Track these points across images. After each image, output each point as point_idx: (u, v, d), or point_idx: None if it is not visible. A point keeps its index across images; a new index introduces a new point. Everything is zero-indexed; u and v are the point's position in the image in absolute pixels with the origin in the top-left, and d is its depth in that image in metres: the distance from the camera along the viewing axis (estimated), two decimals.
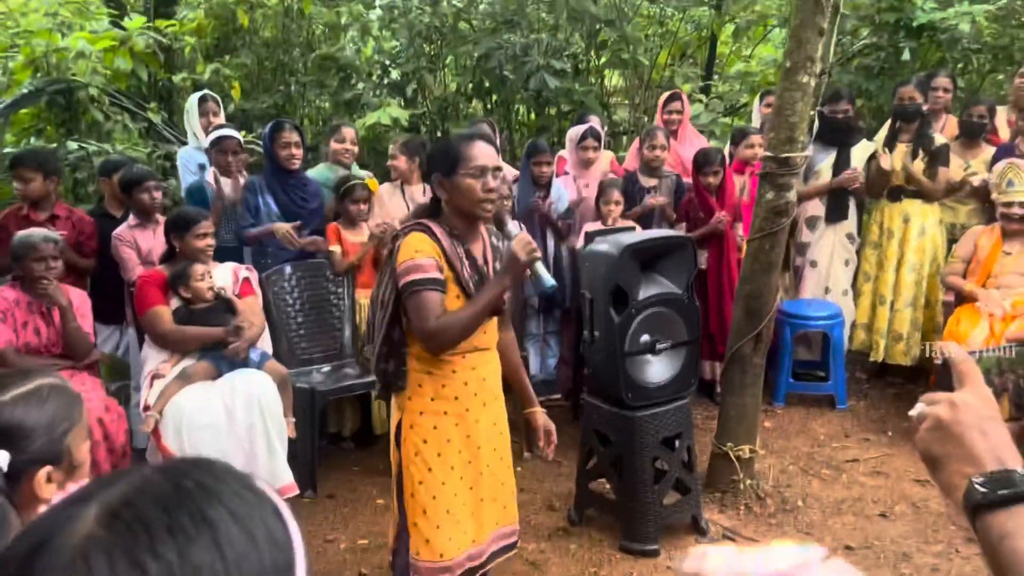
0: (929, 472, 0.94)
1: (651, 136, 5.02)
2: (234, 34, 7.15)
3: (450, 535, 2.42)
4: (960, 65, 7.02)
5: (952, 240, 5.02)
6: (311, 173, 4.76)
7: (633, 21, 7.63)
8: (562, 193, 4.93)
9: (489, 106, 7.74)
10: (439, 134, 7.41)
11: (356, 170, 4.87)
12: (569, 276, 4.87)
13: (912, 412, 0.98)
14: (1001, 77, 7.58)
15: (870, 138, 5.28)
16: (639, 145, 5.26)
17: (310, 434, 3.96)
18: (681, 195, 5.05)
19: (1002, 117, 5.36)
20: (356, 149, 4.81)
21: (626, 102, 8.49)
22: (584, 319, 3.55)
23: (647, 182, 5.02)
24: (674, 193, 5.04)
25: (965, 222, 5.11)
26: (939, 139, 5.00)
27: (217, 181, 4.37)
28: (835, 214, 5.15)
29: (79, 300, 3.79)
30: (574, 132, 5.08)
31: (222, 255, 3.93)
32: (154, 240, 4.14)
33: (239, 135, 4.66)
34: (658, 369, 3.52)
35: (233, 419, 3.49)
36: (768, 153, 3.69)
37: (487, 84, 7.25)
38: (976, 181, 4.95)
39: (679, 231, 4.78)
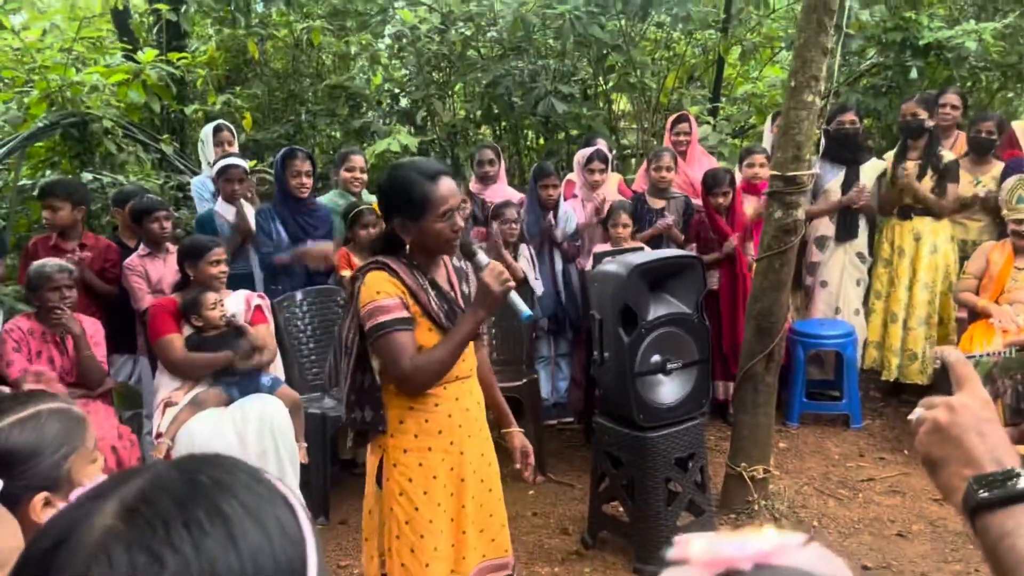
0: (929, 475, 0.95)
1: (657, 158, 5.04)
2: (245, 65, 7.26)
3: (437, 573, 2.33)
4: (969, 83, 7.03)
5: (964, 257, 5.00)
6: (321, 200, 4.80)
7: (640, 45, 7.68)
8: (569, 216, 4.95)
9: (498, 132, 7.80)
10: (449, 160, 7.46)
11: (366, 196, 4.91)
12: (579, 297, 4.88)
13: (911, 416, 0.99)
14: (1011, 95, 7.59)
15: (879, 157, 5.28)
16: (646, 167, 5.28)
17: (322, 460, 3.96)
18: (690, 216, 5.05)
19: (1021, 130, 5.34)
20: (365, 176, 4.85)
21: (634, 126, 8.53)
22: (594, 340, 3.55)
23: (655, 203, 5.03)
24: (683, 214, 5.05)
25: (976, 238, 5.08)
26: (947, 156, 4.99)
27: (241, 209, 4.43)
28: (845, 233, 5.13)
29: (93, 329, 3.83)
30: (581, 155, 5.11)
31: (234, 283, 3.96)
32: (164, 269, 4.18)
33: (245, 163, 4.72)
34: (669, 389, 3.50)
35: (245, 445, 3.50)
36: (775, 172, 3.70)
37: (496, 110, 7.30)
38: (981, 192, 4.93)
39: (689, 251, 4.79)
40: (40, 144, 5.52)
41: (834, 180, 5.16)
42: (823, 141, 5.20)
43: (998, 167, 5.06)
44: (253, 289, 4.25)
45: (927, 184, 4.94)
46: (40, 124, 5.15)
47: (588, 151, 5.06)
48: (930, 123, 4.98)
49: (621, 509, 3.65)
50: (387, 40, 7.85)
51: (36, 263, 3.76)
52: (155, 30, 7.15)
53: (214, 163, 4.72)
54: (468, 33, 7.40)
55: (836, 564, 0.61)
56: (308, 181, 4.50)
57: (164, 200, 4.72)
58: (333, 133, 7.52)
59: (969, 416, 0.92)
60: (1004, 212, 4.63)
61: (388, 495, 2.32)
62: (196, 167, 5.95)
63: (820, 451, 4.68)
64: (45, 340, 3.71)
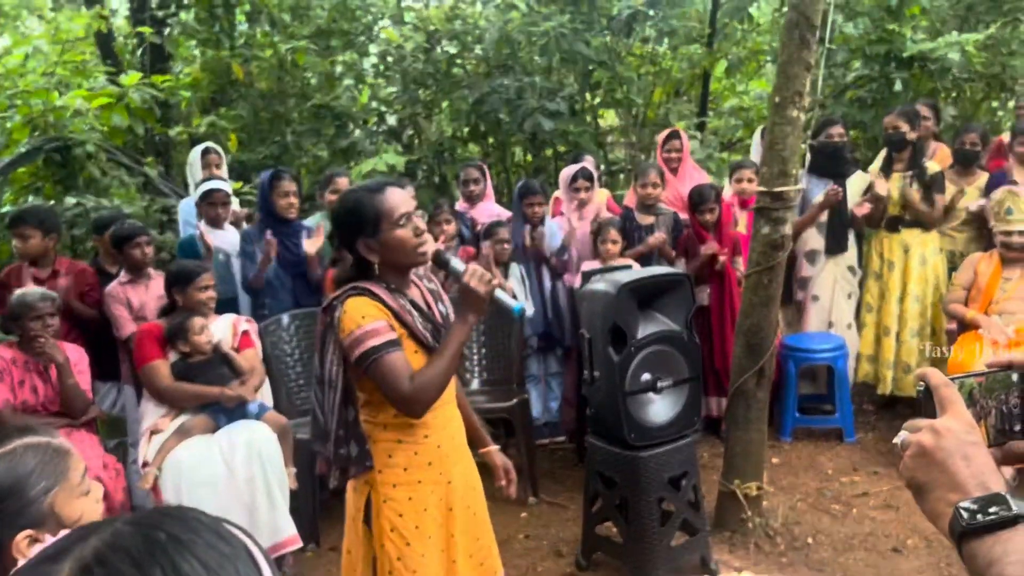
0: (915, 499, 0.94)
1: (643, 175, 5.04)
2: (230, 86, 7.24)
3: None
4: (953, 94, 7.07)
5: (952, 268, 5.00)
6: (308, 222, 4.77)
7: (625, 61, 7.71)
8: (554, 233, 4.93)
9: (486, 149, 7.80)
10: (436, 179, 7.45)
11: None
12: (568, 315, 4.85)
13: (896, 440, 0.98)
14: (995, 104, 7.64)
15: (865, 169, 5.29)
16: (635, 183, 5.28)
17: (311, 485, 3.91)
18: (679, 232, 5.04)
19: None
20: None
21: (622, 140, 8.55)
22: (584, 359, 3.52)
23: (644, 219, 5.02)
24: (672, 230, 5.03)
25: (963, 250, 5.09)
26: (932, 167, 5.01)
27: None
28: (835, 246, 5.13)
29: (77, 357, 3.78)
30: (566, 173, 5.10)
31: (218, 307, 3.92)
32: (146, 295, 4.14)
33: (229, 187, 4.69)
34: (660, 408, 3.47)
35: (233, 472, 3.46)
36: (762, 188, 3.69)
37: (483, 127, 7.31)
38: (974, 206, 4.94)
39: (679, 266, 4.78)
40: (23, 169, 5.48)
41: (820, 194, 5.16)
42: (808, 155, 5.20)
43: (983, 177, 5.09)
44: (238, 313, 4.21)
45: (915, 195, 4.95)
46: (23, 149, 5.12)
47: (573, 169, 5.05)
48: (912, 136, 4.99)
49: (615, 530, 3.61)
50: (372, 59, 7.86)
51: (18, 292, 3.72)
52: (139, 53, 7.14)
53: (195, 187, 4.69)
54: (453, 51, 7.41)
55: None
56: (296, 201, 4.50)
57: (145, 225, 4.68)
58: (319, 153, 7.51)
59: (954, 440, 0.91)
60: (992, 223, 4.64)
61: (379, 532, 2.25)
62: (181, 189, 5.92)
63: (813, 466, 4.65)
64: (28, 369, 3.66)
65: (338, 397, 2.24)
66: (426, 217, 4.55)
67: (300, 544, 3.55)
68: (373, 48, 7.70)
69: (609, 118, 8.91)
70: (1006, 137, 5.36)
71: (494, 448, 2.57)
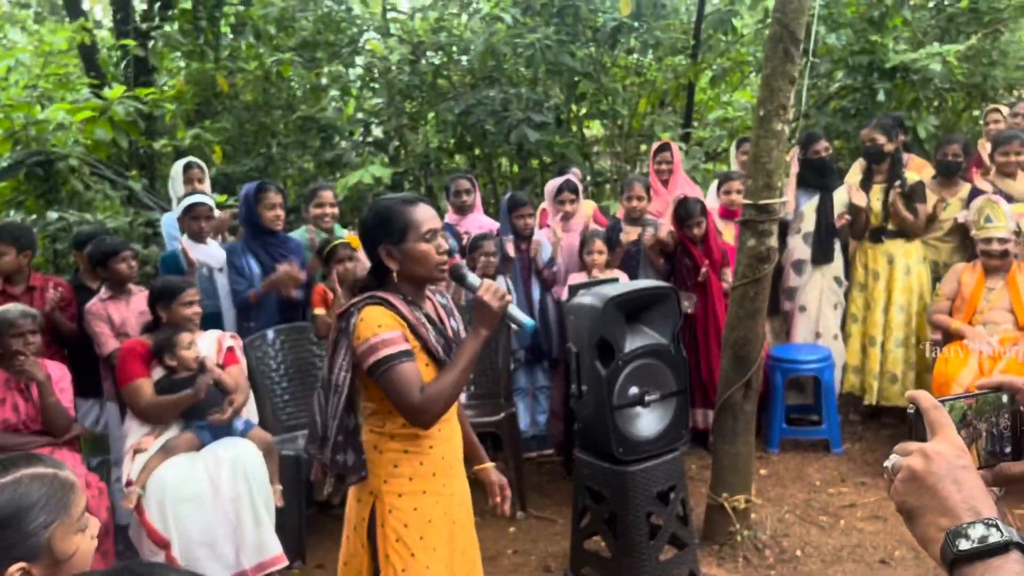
0: (905, 523, 0.93)
1: (629, 187, 5.05)
2: (215, 99, 7.22)
3: None
4: (935, 104, 7.13)
5: (936, 278, 5.03)
6: (293, 235, 4.75)
7: (611, 72, 7.74)
8: (543, 244, 4.93)
9: (472, 161, 7.80)
10: (423, 190, 7.44)
11: (338, 231, 4.86)
12: (555, 328, 4.84)
13: (886, 463, 0.97)
14: (976, 113, 7.71)
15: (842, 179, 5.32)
16: (621, 195, 5.29)
17: (297, 502, 3.88)
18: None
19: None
20: (336, 210, 4.79)
21: (608, 151, 8.57)
22: (571, 373, 3.51)
23: (630, 232, 5.02)
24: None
25: (947, 260, 5.12)
26: (912, 177, 5.04)
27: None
28: (821, 257, 5.15)
29: (59, 374, 3.73)
30: (551, 186, 5.10)
31: (202, 322, 3.89)
32: (127, 311, 4.10)
33: (211, 201, 4.66)
34: (648, 421, 3.46)
35: (218, 490, 3.42)
36: (747, 201, 3.70)
37: (469, 139, 7.30)
38: (961, 217, 4.97)
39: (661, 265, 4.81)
40: (4, 184, 5.44)
41: (808, 203, 5.19)
42: (794, 168, 5.23)
43: (965, 188, 5.12)
44: (222, 328, 4.18)
45: (898, 206, 4.97)
46: (4, 163, 5.07)
47: (558, 182, 5.05)
48: (890, 147, 5.02)
49: (603, 544, 3.59)
50: (358, 71, 7.85)
51: None
52: (123, 65, 7.10)
53: (176, 201, 4.67)
54: (439, 63, 7.41)
55: None
56: (282, 213, 4.49)
57: (128, 239, 4.64)
58: (305, 165, 7.49)
59: (944, 464, 0.91)
60: (973, 232, 4.67)
61: (383, 542, 2.25)
62: (166, 203, 5.87)
63: (801, 477, 4.65)
64: (9, 387, 3.61)
65: (342, 403, 2.23)
66: None
67: (286, 562, 3.52)
68: (359, 60, 7.69)
69: (595, 129, 8.93)
70: (984, 149, 5.40)
71: (490, 465, 2.58)
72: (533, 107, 6.81)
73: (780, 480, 4.63)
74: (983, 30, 6.95)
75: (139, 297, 4.15)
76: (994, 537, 0.84)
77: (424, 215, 2.23)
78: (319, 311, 4.34)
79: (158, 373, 3.64)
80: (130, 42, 6.61)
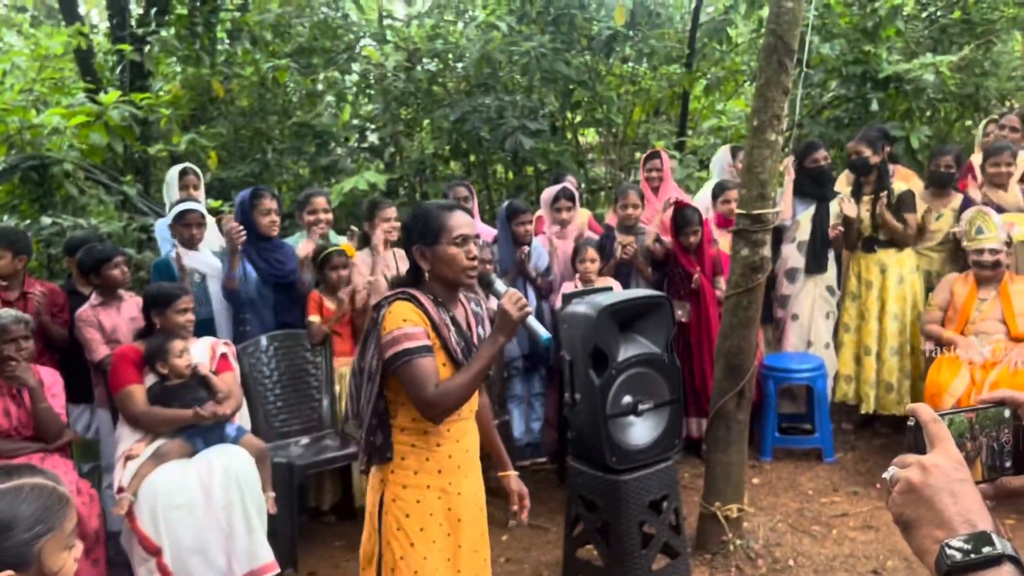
0: (903, 535, 0.94)
1: (623, 195, 5.07)
2: (210, 104, 7.22)
3: None
4: (928, 114, 7.17)
5: (929, 288, 5.05)
6: (288, 240, 4.75)
7: (606, 80, 7.76)
8: (540, 252, 4.94)
9: (467, 167, 7.81)
10: (417, 196, 7.44)
11: (333, 237, 4.86)
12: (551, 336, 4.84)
13: (885, 475, 0.99)
14: (969, 123, 7.75)
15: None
16: (615, 203, 5.31)
17: (289, 510, 3.87)
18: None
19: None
20: (330, 216, 4.80)
21: (603, 158, 8.60)
22: (565, 382, 3.51)
23: (623, 239, 5.03)
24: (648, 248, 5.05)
25: (939, 269, 5.14)
26: (900, 186, 5.07)
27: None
28: (814, 267, 5.17)
29: (51, 380, 3.72)
30: (548, 194, 5.11)
31: (195, 328, 3.88)
32: (118, 317, 4.09)
33: (202, 207, 4.67)
34: (641, 430, 3.47)
35: (210, 497, 3.42)
36: (741, 210, 3.72)
37: (464, 145, 7.31)
38: (955, 229, 4.99)
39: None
40: None
41: (804, 212, 5.21)
42: (789, 176, 5.25)
43: (957, 199, 5.14)
44: (215, 334, 4.17)
45: (888, 216, 4.99)
46: None
47: (554, 190, 5.06)
48: (875, 159, 5.05)
49: (596, 553, 3.59)
50: (354, 77, 7.86)
51: None
52: (118, 70, 7.10)
53: (170, 207, 4.66)
54: (435, 70, 7.42)
55: None
56: (277, 219, 4.50)
57: (122, 244, 4.62)
58: (300, 171, 7.48)
59: (942, 477, 0.92)
60: (964, 244, 4.69)
61: (385, 529, 2.36)
62: (160, 208, 5.86)
63: (793, 487, 4.66)
64: (1, 393, 3.60)
65: (375, 388, 2.34)
66: None
67: (278, 570, 3.51)
68: (354, 66, 7.69)
69: (589, 136, 8.96)
70: (976, 160, 5.43)
71: (513, 473, 2.68)
72: (528, 114, 6.83)
73: (773, 489, 4.64)
74: (976, 41, 7.00)
75: (130, 303, 4.15)
76: (988, 550, 0.85)
77: (458, 221, 2.35)
78: (314, 318, 4.35)
79: (150, 379, 3.64)
80: (126, 47, 6.61)
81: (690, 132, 8.46)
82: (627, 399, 3.43)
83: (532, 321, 2.34)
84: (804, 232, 5.19)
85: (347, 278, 4.45)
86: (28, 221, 5.20)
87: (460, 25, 7.92)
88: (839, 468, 4.89)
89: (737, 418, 3.82)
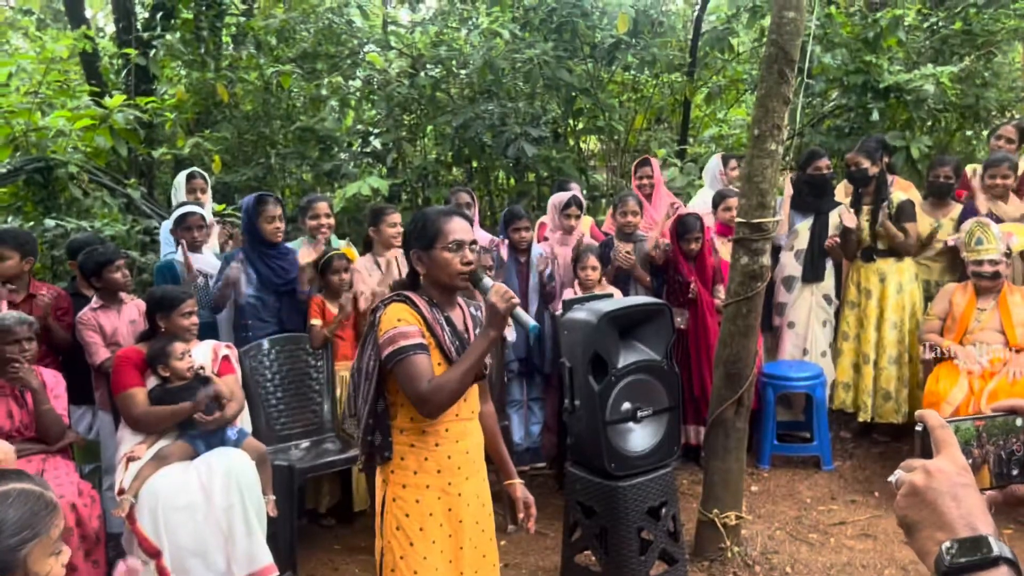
0: (906, 537, 0.96)
1: (622, 203, 5.10)
2: (214, 108, 7.25)
3: None
4: (928, 124, 7.20)
5: (928, 297, 5.07)
6: (291, 245, 4.77)
7: (608, 88, 7.79)
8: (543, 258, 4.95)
9: (469, 174, 7.84)
10: (420, 202, 7.47)
11: (335, 242, 4.89)
12: (550, 342, 4.87)
13: (891, 478, 1.01)
14: (969, 133, 7.79)
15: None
16: (613, 211, 5.34)
17: (289, 513, 3.88)
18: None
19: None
20: (332, 221, 4.82)
21: (605, 165, 8.63)
22: (565, 388, 3.53)
23: (622, 247, 5.05)
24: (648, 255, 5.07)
25: (938, 279, 5.17)
26: (898, 196, 5.10)
27: (232, 259, 4.38)
28: (811, 275, 5.19)
29: (53, 382, 3.74)
30: (558, 199, 5.13)
31: (199, 332, 3.90)
32: (119, 320, 4.11)
33: (204, 211, 4.69)
34: (640, 437, 3.49)
35: (210, 500, 3.43)
36: (740, 219, 3.74)
37: (466, 152, 7.35)
38: (951, 241, 5.02)
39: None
40: (3, 189, 5.45)
41: (803, 221, 5.23)
42: (788, 190, 5.28)
43: (956, 209, 5.17)
44: (217, 337, 4.19)
45: (888, 226, 5.02)
46: (3, 169, 5.08)
47: (565, 196, 5.09)
48: (874, 170, 5.08)
49: (594, 559, 3.61)
50: (357, 83, 7.90)
51: None
52: (124, 74, 7.13)
53: (172, 211, 4.69)
54: (438, 76, 7.46)
55: None
56: (282, 225, 4.51)
57: (126, 246, 4.65)
58: (303, 175, 7.52)
59: (945, 481, 0.94)
60: (963, 254, 4.71)
61: (386, 529, 2.40)
62: (164, 211, 5.89)
63: (792, 494, 4.68)
64: (3, 394, 3.61)
65: (372, 388, 2.40)
66: None
67: (277, 572, 3.52)
68: (358, 72, 7.73)
69: (591, 143, 8.99)
70: (970, 170, 5.46)
71: (518, 481, 2.69)
72: (531, 121, 6.87)
73: (771, 497, 4.65)
74: (976, 52, 7.04)
75: (130, 306, 4.17)
76: (985, 553, 0.87)
77: (454, 227, 2.41)
78: (316, 321, 4.37)
79: (152, 382, 3.66)
80: (131, 51, 6.65)
81: (691, 140, 8.49)
82: (626, 406, 3.45)
83: (518, 312, 2.36)
84: (802, 241, 5.21)
85: (348, 281, 4.47)
86: (32, 223, 5.23)
87: (464, 32, 7.95)
88: (837, 476, 4.90)
89: (736, 426, 3.84)
